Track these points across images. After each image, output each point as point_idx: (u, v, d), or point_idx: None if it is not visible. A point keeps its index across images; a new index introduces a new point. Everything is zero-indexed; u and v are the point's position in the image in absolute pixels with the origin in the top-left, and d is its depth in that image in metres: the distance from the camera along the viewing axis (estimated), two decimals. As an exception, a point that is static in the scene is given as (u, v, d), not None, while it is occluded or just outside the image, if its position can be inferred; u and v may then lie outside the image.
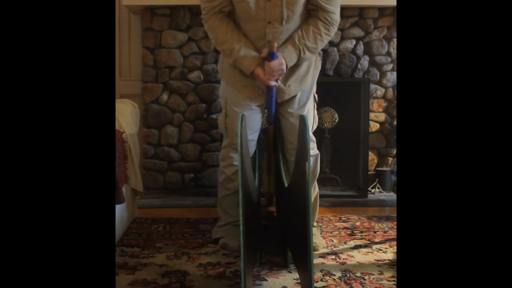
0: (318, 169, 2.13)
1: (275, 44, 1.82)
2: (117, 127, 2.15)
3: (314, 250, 1.93)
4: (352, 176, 3.12)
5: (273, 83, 1.86)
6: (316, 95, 2.07)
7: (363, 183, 2.99)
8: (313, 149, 2.04)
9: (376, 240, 2.18)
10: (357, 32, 3.10)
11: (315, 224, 2.16)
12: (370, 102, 3.09)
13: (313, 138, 2.11)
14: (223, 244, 2.02)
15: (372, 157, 3.16)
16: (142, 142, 3.00)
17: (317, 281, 1.69)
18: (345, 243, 2.13)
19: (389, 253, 2.00)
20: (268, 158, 2.13)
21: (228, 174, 2.05)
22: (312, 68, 2.00)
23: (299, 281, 1.67)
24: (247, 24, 1.87)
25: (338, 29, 3.06)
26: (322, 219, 2.50)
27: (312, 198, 2.06)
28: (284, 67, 1.85)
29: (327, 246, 2.06)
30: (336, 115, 3.05)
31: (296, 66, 1.94)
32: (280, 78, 1.89)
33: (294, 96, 1.98)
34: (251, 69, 1.87)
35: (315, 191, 2.10)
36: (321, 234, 2.19)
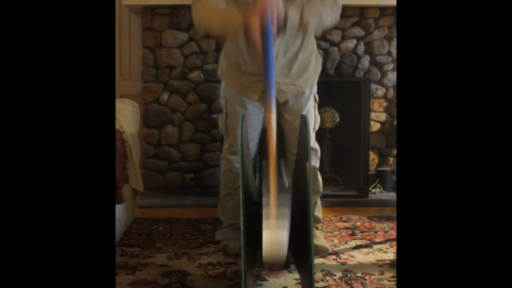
0: (320, 184, 2.10)
1: None
2: (117, 127, 2.15)
3: (317, 254, 1.92)
4: (352, 176, 3.12)
5: (268, 22, 1.58)
6: (316, 96, 2.06)
7: (364, 183, 2.99)
8: (313, 159, 1.98)
9: (377, 240, 2.18)
10: (358, 31, 3.10)
11: (319, 227, 2.15)
12: (371, 102, 3.08)
13: (317, 146, 2.07)
14: (224, 246, 2.01)
15: (372, 157, 3.15)
16: (142, 142, 3.00)
17: (318, 281, 1.69)
18: (345, 243, 2.13)
19: (390, 253, 1.99)
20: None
21: (229, 177, 2.04)
22: (311, 64, 1.98)
23: (299, 281, 1.67)
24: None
25: (339, 28, 3.07)
26: (322, 219, 2.49)
27: (314, 209, 2.06)
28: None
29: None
30: (337, 115, 3.04)
31: (294, 62, 1.92)
32: (277, 24, 1.63)
33: (294, 95, 1.97)
34: (239, 17, 1.66)
35: (315, 207, 2.08)
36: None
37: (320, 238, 2.03)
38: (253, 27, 1.62)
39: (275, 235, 1.38)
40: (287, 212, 1.45)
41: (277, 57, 1.87)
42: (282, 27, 1.67)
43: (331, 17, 1.81)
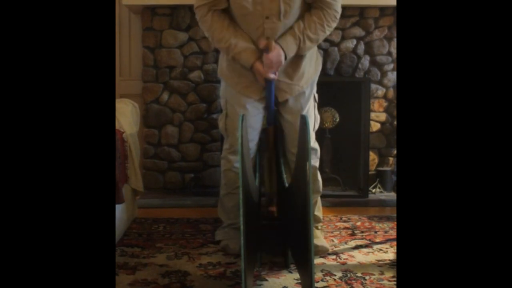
0: (320, 184, 2.10)
1: (273, 43, 1.80)
2: (117, 127, 2.15)
3: (317, 254, 1.92)
4: (352, 176, 3.12)
5: (271, 75, 1.84)
6: (316, 95, 2.06)
7: (364, 183, 2.98)
8: (313, 159, 1.99)
9: (377, 240, 2.18)
10: (358, 31, 3.09)
11: (319, 227, 2.14)
12: (371, 102, 3.08)
13: (317, 146, 2.07)
14: (224, 246, 2.01)
15: (372, 157, 3.15)
16: (142, 142, 3.00)
17: (318, 281, 1.69)
18: (345, 243, 2.13)
19: (390, 253, 1.99)
20: (269, 159, 2.10)
21: (229, 177, 2.04)
22: (312, 64, 1.98)
23: (299, 281, 1.67)
24: (244, 21, 1.85)
25: (339, 28, 3.07)
26: (322, 218, 2.49)
27: (314, 208, 2.06)
28: (283, 58, 1.82)
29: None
30: (337, 115, 3.04)
31: (296, 62, 1.92)
32: (278, 71, 1.86)
33: (294, 95, 1.97)
34: (250, 62, 1.85)
35: (315, 206, 2.09)
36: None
37: (320, 238, 2.03)
38: (259, 73, 1.86)
39: None
40: None
41: None
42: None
43: (328, 32, 1.90)
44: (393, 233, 2.28)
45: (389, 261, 1.90)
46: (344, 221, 2.49)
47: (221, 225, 2.17)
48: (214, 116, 3.05)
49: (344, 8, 3.02)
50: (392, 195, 3.03)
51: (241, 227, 1.39)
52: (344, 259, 1.92)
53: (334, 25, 1.88)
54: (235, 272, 1.77)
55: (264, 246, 1.94)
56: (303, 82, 1.95)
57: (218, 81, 2.94)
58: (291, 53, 1.85)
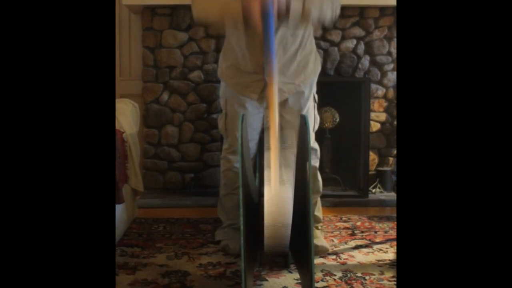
0: (320, 184, 2.10)
1: None
2: (117, 127, 2.15)
3: (317, 254, 1.92)
4: (352, 176, 3.12)
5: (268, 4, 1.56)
6: (316, 95, 2.06)
7: (364, 183, 2.99)
8: (313, 159, 1.98)
9: (377, 240, 2.18)
10: (358, 31, 3.10)
11: (319, 227, 2.15)
12: (371, 102, 3.08)
13: (317, 146, 2.07)
14: (224, 246, 2.01)
15: (372, 157, 3.15)
16: (142, 142, 3.00)
17: (318, 281, 1.69)
18: (345, 243, 2.13)
19: (390, 253, 1.99)
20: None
21: (228, 177, 2.04)
22: (310, 64, 1.98)
23: (299, 281, 1.67)
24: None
25: (339, 28, 3.07)
26: (322, 219, 2.49)
27: (314, 208, 2.06)
28: None
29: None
30: (337, 115, 3.04)
31: (292, 62, 1.91)
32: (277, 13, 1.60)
33: (294, 95, 1.97)
34: (239, 3, 1.63)
35: (315, 206, 2.08)
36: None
37: (320, 238, 2.03)
38: (253, 10, 1.60)
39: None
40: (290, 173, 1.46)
41: (276, 55, 1.87)
42: (284, 15, 1.65)
43: (330, 11, 1.79)
44: (393, 233, 2.28)
45: (389, 261, 1.90)
46: (344, 221, 2.49)
47: (221, 225, 2.17)
48: (214, 116, 3.06)
49: (344, 8, 3.04)
50: (392, 195, 3.03)
51: (241, 227, 1.39)
52: (344, 259, 1.92)
53: (335, 7, 1.77)
54: (235, 272, 1.77)
55: (264, 246, 1.94)
56: (300, 80, 1.94)
57: (218, 81, 2.93)
58: (296, 3, 1.65)
